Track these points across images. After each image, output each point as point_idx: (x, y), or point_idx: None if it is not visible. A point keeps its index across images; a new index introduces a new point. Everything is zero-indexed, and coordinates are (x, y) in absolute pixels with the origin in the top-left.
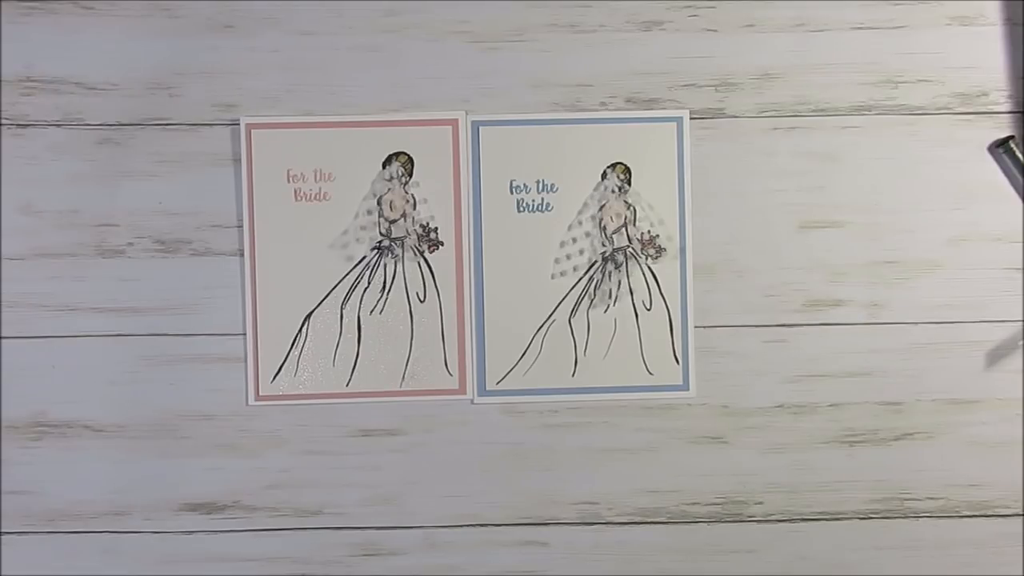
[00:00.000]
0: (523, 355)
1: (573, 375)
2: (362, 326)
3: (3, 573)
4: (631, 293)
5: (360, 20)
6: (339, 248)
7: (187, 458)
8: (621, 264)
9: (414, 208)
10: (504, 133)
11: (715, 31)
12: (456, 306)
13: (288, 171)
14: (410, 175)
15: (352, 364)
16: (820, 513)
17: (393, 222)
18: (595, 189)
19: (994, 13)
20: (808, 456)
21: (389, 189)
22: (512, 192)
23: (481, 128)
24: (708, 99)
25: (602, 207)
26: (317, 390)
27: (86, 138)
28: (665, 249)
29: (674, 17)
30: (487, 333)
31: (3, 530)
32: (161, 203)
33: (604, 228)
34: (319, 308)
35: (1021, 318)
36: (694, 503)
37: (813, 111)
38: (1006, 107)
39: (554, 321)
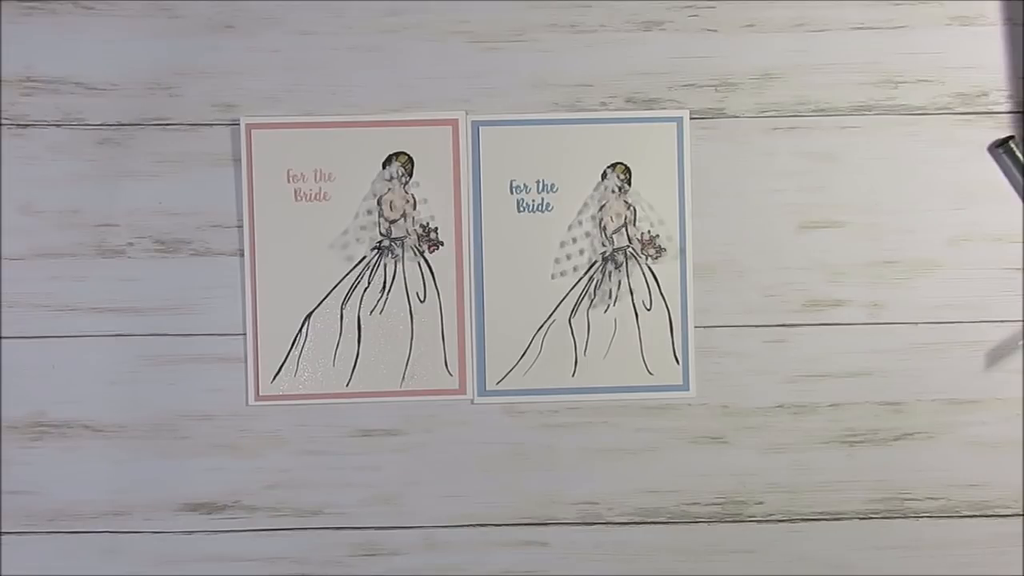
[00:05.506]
0: (523, 355)
1: (573, 375)
2: (362, 326)
3: (3, 573)
4: (631, 293)
5: (360, 20)
6: (339, 248)
7: (187, 458)
8: (621, 264)
9: (414, 208)
10: (504, 133)
11: (715, 31)
12: (456, 306)
13: (288, 171)
14: (410, 175)
15: (352, 364)
16: (820, 513)
17: (393, 222)
18: (595, 189)
19: (994, 13)
20: (808, 456)
21: (389, 189)
22: (512, 192)
23: (481, 128)
24: (708, 99)
25: (602, 207)
26: (317, 390)
27: (86, 138)
28: (665, 249)
29: (674, 17)
30: (487, 333)
31: (3, 530)
32: (161, 203)
33: (604, 228)
34: (319, 308)
35: (1021, 318)
36: (694, 503)
37: (813, 111)
38: (1006, 107)
39: (554, 321)
